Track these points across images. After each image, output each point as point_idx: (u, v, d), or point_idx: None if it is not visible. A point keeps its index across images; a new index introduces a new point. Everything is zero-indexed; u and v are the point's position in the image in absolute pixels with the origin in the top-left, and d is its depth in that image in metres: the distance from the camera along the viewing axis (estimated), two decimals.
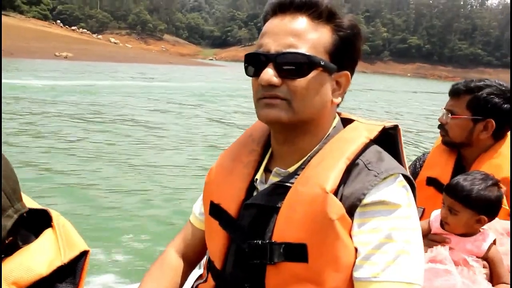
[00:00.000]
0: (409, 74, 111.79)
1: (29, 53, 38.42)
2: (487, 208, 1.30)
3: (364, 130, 0.95)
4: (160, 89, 20.82)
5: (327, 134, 0.97)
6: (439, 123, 1.69)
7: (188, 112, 14.46)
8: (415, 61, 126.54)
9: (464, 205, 1.30)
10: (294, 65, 0.87)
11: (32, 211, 0.83)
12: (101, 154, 7.99)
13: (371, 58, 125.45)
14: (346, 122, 1.01)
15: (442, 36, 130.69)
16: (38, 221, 0.84)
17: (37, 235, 0.81)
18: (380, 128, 0.97)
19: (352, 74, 0.97)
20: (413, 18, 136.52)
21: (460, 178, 1.35)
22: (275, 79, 0.87)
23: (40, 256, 0.77)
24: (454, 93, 1.64)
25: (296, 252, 0.86)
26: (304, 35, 0.88)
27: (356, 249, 0.86)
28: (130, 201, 5.63)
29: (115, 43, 78.40)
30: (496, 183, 1.32)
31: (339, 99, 0.96)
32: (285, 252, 0.87)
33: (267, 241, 0.90)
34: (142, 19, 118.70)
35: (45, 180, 6.25)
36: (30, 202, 0.86)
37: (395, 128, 0.99)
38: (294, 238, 0.87)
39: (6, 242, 0.75)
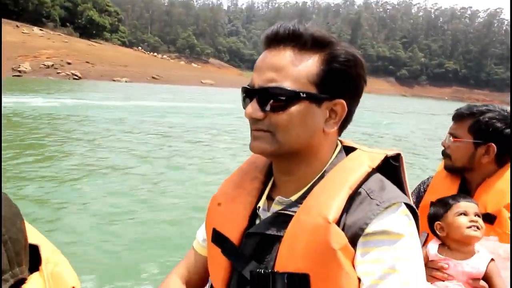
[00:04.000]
0: (446, 98, 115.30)
1: (181, 80, 43.16)
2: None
3: (366, 159, 0.94)
4: None
5: (329, 162, 0.96)
6: (443, 148, 1.68)
7: None
8: (452, 85, 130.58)
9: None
10: (274, 99, 0.87)
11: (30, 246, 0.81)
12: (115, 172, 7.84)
13: (410, 82, 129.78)
14: (348, 150, 1.01)
15: (478, 61, 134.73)
16: (36, 256, 0.81)
17: (32, 271, 0.78)
18: (382, 157, 0.95)
19: (352, 101, 0.93)
20: (449, 44, 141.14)
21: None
22: (257, 113, 0.89)
23: None
24: (457, 117, 1.64)
25: (299, 282, 0.85)
26: (286, 69, 0.88)
27: (359, 279, 0.85)
28: (136, 226, 5.50)
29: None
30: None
31: (334, 128, 0.93)
32: (288, 282, 0.86)
33: (270, 270, 0.89)
34: (190, 43, 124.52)
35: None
36: (33, 234, 0.83)
37: (398, 157, 0.97)
38: (297, 268, 0.86)
39: None
